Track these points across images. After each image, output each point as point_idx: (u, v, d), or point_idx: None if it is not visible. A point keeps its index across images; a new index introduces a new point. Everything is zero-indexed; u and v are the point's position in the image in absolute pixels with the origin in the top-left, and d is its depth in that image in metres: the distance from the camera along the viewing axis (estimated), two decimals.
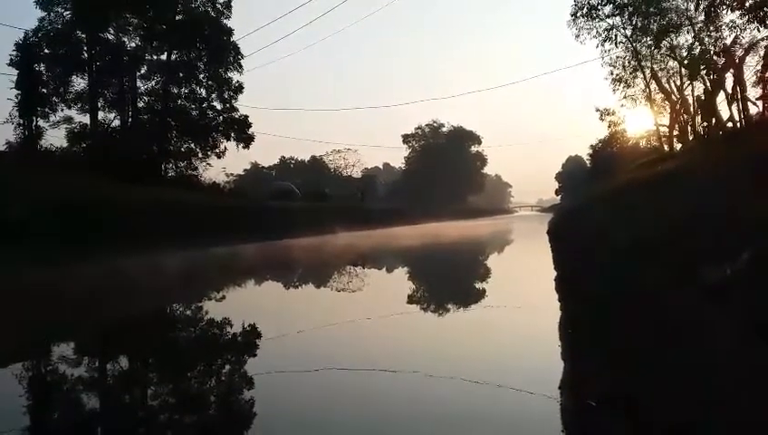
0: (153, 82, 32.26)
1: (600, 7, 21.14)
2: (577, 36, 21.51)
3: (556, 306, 8.04)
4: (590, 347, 5.48)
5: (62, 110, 29.09)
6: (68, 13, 29.50)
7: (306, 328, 7.64)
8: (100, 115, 30.29)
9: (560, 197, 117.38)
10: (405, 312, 8.82)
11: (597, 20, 21.28)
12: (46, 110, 28.12)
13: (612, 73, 22.37)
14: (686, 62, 19.82)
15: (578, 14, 21.43)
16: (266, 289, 12.67)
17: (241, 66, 33.35)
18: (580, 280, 8.09)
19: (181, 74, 32.40)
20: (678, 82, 21.25)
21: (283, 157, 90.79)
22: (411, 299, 10.43)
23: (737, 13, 15.57)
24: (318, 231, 31.11)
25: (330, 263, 18.24)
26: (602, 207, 11.76)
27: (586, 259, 8.66)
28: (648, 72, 21.78)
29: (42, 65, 28.57)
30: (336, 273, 15.43)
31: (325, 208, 37.83)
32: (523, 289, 11.38)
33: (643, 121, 26.21)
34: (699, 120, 19.92)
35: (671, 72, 21.54)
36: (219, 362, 6.35)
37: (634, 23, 20.78)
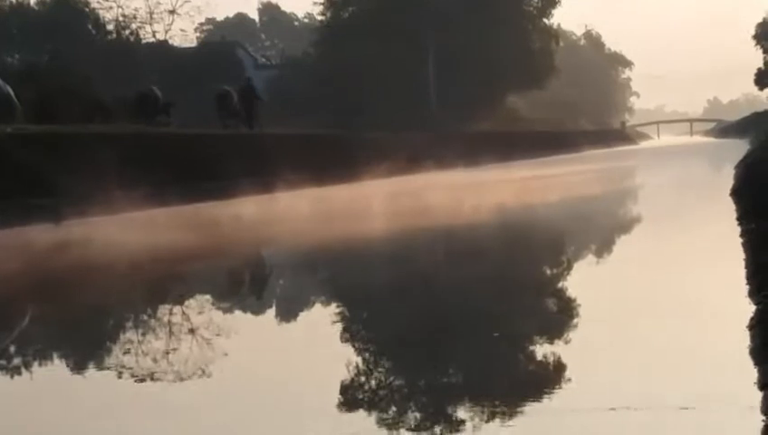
0: None
1: None
2: None
3: (748, 396, 5.33)
4: None
5: None
6: None
7: None
8: None
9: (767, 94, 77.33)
10: None
11: None
12: None
13: None
14: None
15: None
16: None
17: None
18: None
19: None
20: None
21: None
22: (352, 401, 5.93)
23: None
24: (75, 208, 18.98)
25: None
26: None
27: None
28: None
29: None
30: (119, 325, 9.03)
31: (117, 142, 23.78)
32: (663, 356, 6.88)
33: None
34: None
35: None
36: None
37: None
